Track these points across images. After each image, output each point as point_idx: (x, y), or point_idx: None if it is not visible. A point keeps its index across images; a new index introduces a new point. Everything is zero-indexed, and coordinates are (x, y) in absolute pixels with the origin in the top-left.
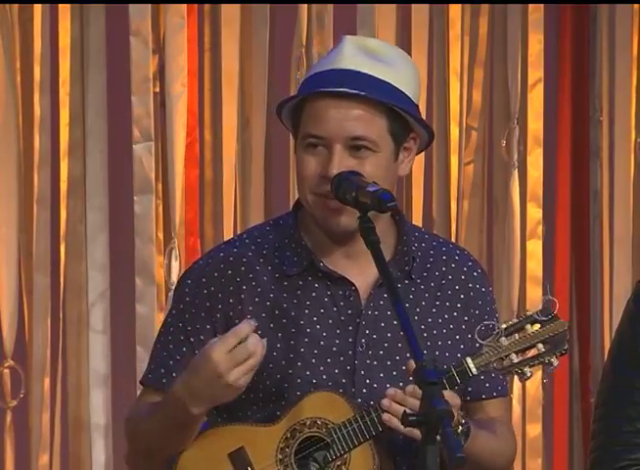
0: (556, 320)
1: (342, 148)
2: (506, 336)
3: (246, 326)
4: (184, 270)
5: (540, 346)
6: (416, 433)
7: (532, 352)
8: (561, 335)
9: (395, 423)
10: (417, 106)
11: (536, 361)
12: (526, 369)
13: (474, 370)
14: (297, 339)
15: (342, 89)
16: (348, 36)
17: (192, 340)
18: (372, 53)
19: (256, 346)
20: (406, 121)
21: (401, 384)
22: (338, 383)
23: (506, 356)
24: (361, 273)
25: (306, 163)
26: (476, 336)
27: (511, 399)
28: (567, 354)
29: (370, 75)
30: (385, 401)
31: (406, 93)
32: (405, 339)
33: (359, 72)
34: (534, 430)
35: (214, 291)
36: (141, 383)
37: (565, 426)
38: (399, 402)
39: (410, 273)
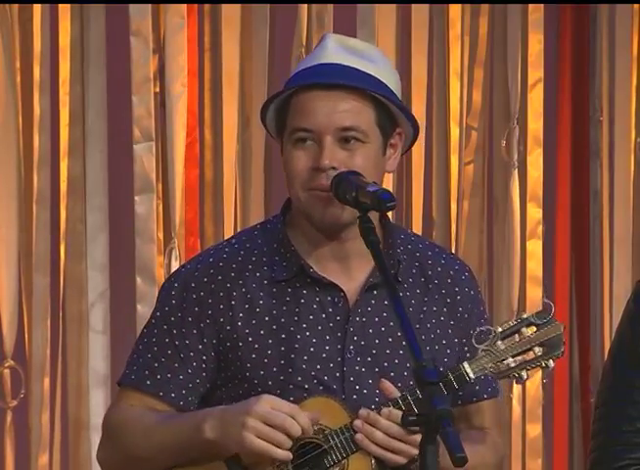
0: (552, 323)
1: (332, 140)
2: (502, 339)
3: (306, 420)
4: (170, 273)
5: (537, 349)
6: (388, 456)
7: (529, 356)
8: (557, 338)
9: (367, 444)
10: (401, 100)
11: (533, 365)
12: (523, 373)
13: (471, 375)
14: (287, 346)
15: (332, 80)
16: (330, 34)
17: (177, 343)
18: (354, 50)
19: (292, 428)
20: (392, 115)
21: None
22: (329, 389)
23: (502, 360)
24: (350, 278)
25: (296, 158)
26: (473, 340)
27: (511, 400)
28: (563, 357)
29: (355, 68)
30: (357, 422)
31: (390, 87)
32: (405, 338)
33: (345, 66)
34: (534, 430)
35: (204, 296)
36: (119, 383)
37: (565, 426)
38: (372, 424)
39: (397, 276)
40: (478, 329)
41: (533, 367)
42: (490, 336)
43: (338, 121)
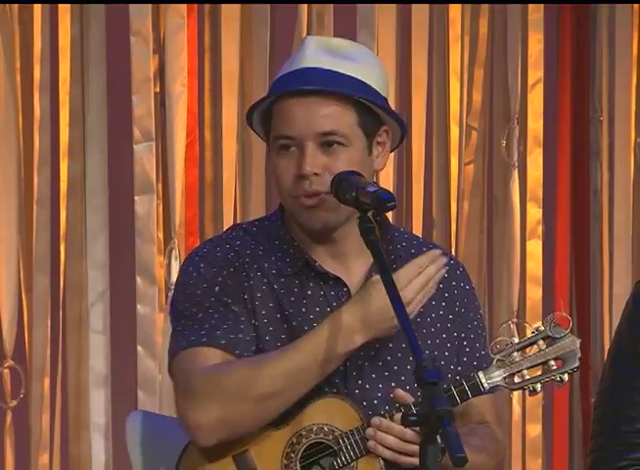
0: (569, 337)
1: (313, 145)
2: (518, 351)
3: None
4: (187, 260)
5: (552, 363)
6: (402, 459)
7: (544, 369)
8: (573, 352)
9: (380, 451)
10: (385, 98)
11: (547, 378)
12: (537, 385)
13: (485, 385)
14: (297, 336)
15: (305, 87)
16: (310, 36)
17: (234, 308)
18: (334, 51)
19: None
20: (376, 115)
21: (393, 384)
22: (331, 383)
23: (518, 372)
24: (350, 274)
25: (281, 166)
26: (489, 351)
27: (511, 399)
28: (576, 371)
29: (334, 71)
30: (369, 431)
31: (373, 87)
32: (405, 338)
33: (323, 69)
34: (534, 430)
35: (233, 272)
36: (186, 347)
37: (565, 426)
38: (385, 431)
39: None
40: (495, 340)
41: (548, 381)
42: (506, 347)
43: (317, 127)
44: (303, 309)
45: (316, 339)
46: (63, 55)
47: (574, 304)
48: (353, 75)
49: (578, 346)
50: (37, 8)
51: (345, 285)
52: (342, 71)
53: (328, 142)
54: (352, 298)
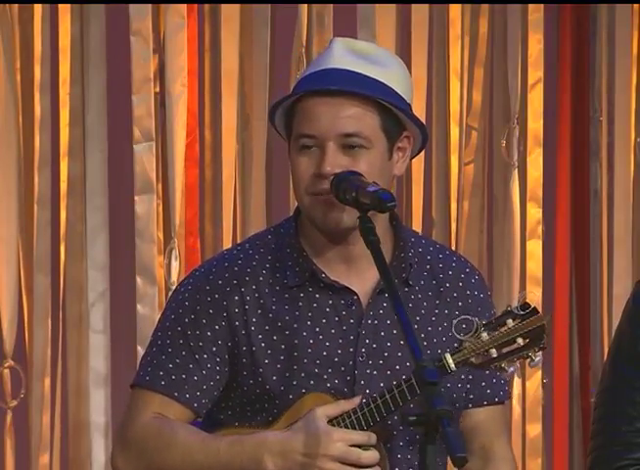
0: (535, 314)
1: (334, 146)
2: (486, 331)
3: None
4: (184, 277)
5: (519, 340)
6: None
7: (512, 347)
8: (539, 329)
9: None
10: (409, 105)
11: (516, 355)
12: (507, 364)
13: (452, 366)
14: (299, 350)
15: (332, 87)
16: (338, 38)
17: (191, 344)
18: (361, 54)
19: (367, 460)
20: (399, 119)
21: None
22: (340, 392)
23: (485, 352)
24: (360, 280)
25: (300, 164)
26: (453, 331)
27: (511, 399)
28: (545, 348)
29: (360, 73)
30: None
31: (397, 91)
32: (404, 338)
33: (349, 71)
34: (534, 430)
35: (218, 298)
36: (132, 386)
37: (565, 426)
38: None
39: (408, 280)
40: (458, 318)
41: (517, 358)
42: (474, 327)
43: (340, 128)
44: (309, 323)
45: (231, 448)
46: (63, 55)
47: (574, 304)
48: (378, 79)
49: (545, 322)
50: (37, 8)
51: (355, 293)
52: (367, 74)
53: (350, 144)
54: (292, 425)
